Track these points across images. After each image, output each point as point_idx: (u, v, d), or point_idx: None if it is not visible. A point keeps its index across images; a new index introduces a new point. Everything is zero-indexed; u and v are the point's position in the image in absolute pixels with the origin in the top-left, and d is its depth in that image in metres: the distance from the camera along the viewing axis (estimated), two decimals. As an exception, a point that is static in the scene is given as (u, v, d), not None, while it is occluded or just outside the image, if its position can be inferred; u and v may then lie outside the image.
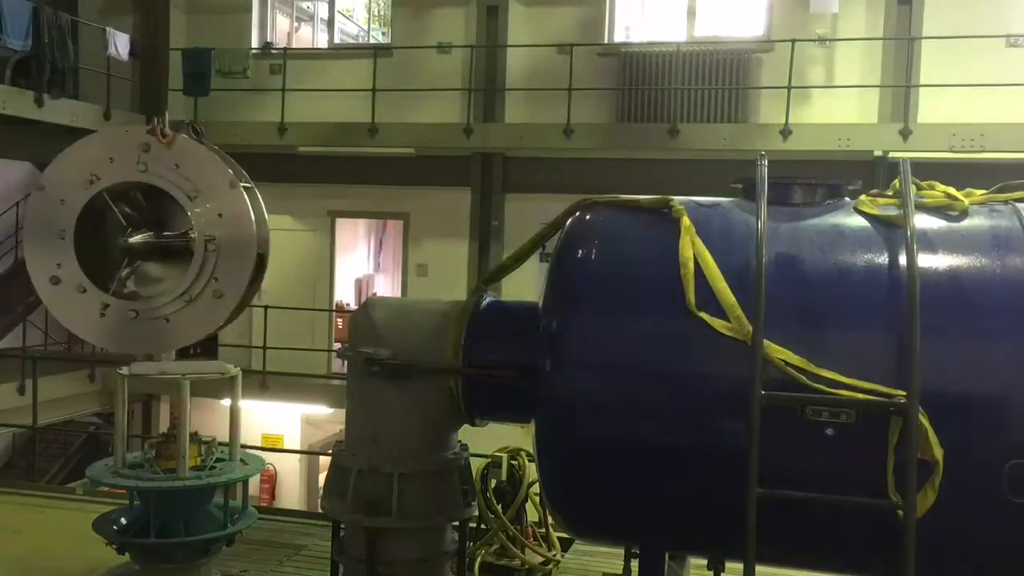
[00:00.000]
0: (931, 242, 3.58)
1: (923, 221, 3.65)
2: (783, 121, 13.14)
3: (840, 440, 3.40)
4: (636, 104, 14.38)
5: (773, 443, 3.41)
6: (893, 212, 3.70)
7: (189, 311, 3.87)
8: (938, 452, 3.28)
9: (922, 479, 3.30)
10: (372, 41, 19.44)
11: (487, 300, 4.46)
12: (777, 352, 3.45)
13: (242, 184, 4.57)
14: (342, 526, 4.63)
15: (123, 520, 5.28)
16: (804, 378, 3.41)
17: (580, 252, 3.91)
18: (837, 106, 13.65)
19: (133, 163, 3.96)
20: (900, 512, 3.29)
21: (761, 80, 14.02)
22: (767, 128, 13.33)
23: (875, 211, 3.75)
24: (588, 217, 4.06)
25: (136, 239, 4.28)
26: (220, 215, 3.89)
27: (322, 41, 17.28)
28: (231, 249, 4.02)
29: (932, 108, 13.20)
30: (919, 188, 3.88)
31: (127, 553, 5.22)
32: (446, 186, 15.38)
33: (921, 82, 13.24)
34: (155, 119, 4.27)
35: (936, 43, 13.04)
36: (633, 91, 14.32)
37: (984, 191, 3.91)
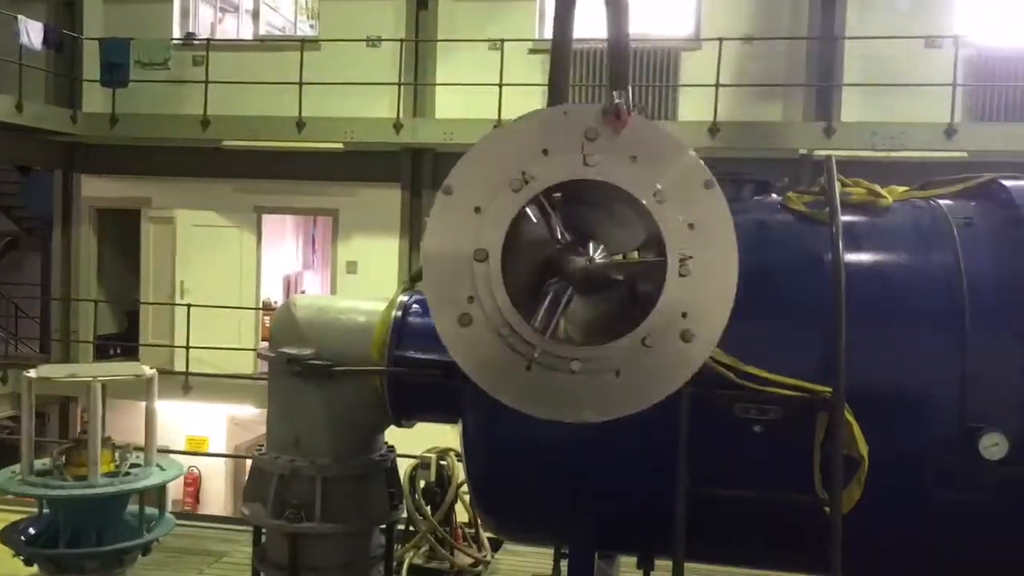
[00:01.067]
0: (856, 238, 3.60)
1: (848, 217, 3.67)
2: (711, 119, 13.27)
3: (768, 437, 3.40)
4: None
5: (702, 440, 3.39)
6: (820, 209, 3.71)
7: (647, 361, 2.65)
8: (863, 447, 3.29)
9: (848, 475, 3.30)
10: (299, 34, 19.07)
11: (415, 297, 4.36)
12: None
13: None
14: (264, 532, 4.49)
15: (31, 530, 5.04)
16: (733, 376, 3.39)
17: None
18: (763, 105, 13.85)
19: (576, 156, 2.64)
20: (826, 508, 3.29)
21: (689, 77, 14.15)
22: (694, 125, 13.45)
23: (802, 207, 3.76)
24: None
25: (598, 263, 2.70)
26: (691, 226, 2.60)
27: (247, 33, 16.89)
28: (708, 273, 2.70)
29: (855, 107, 13.49)
30: (844, 185, 3.89)
31: (35, 565, 4.99)
32: (376, 182, 15.18)
33: (844, 81, 13.51)
34: (614, 94, 2.82)
35: (859, 43, 13.33)
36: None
37: (906, 188, 3.95)
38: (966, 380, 3.30)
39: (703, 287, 2.61)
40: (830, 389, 3.29)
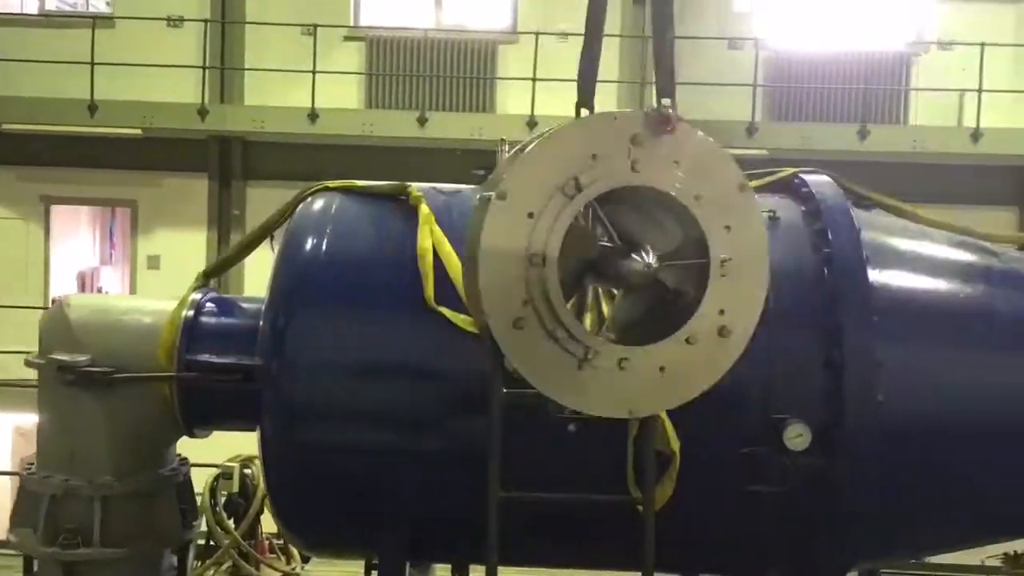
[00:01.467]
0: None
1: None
2: (529, 112, 13.35)
3: (582, 436, 3.31)
4: (385, 90, 14.10)
5: (516, 442, 3.27)
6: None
7: (690, 357, 2.76)
8: (675, 443, 3.27)
9: (661, 471, 3.27)
10: (91, 10, 17.70)
11: (209, 295, 4.00)
12: None
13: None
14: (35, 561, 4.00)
15: None
16: (546, 375, 3.28)
17: (308, 242, 3.59)
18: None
19: (624, 161, 2.68)
20: (639, 506, 3.24)
21: (507, 71, 14.18)
22: (514, 118, 13.50)
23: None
24: (318, 204, 3.74)
25: (654, 267, 2.72)
26: (728, 227, 2.72)
27: (31, 6, 15.48)
28: (742, 272, 2.81)
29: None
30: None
31: None
32: (180, 171, 14.34)
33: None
34: (660, 100, 2.84)
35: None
36: (380, 77, 14.02)
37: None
38: (771, 373, 3.33)
39: (739, 285, 2.73)
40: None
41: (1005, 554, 5.98)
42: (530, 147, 2.73)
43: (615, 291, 2.81)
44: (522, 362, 2.71)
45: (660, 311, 2.76)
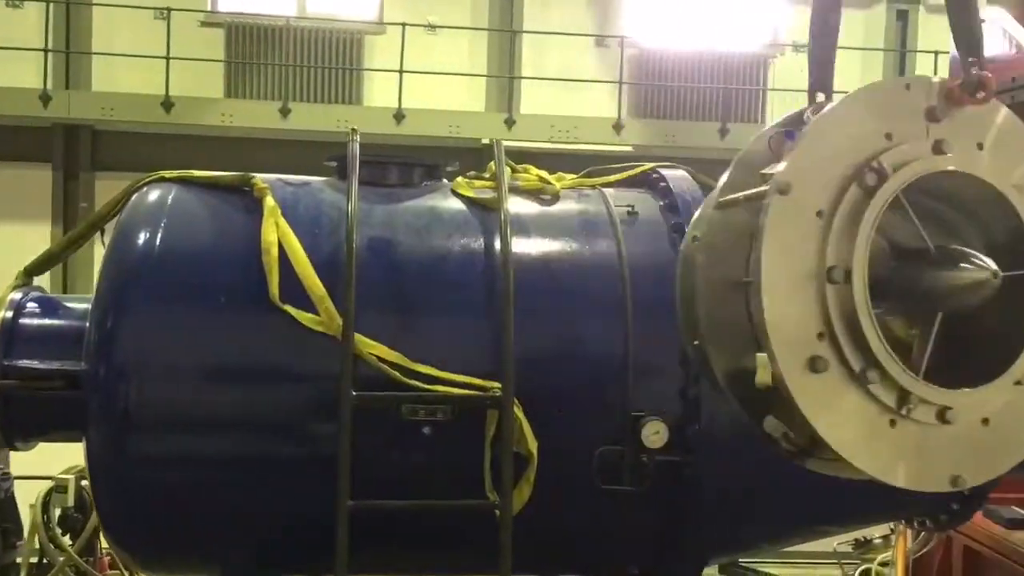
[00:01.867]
0: (525, 226, 3.50)
1: (517, 205, 3.57)
2: (396, 105, 13.12)
3: (438, 439, 3.19)
4: (246, 79, 13.57)
5: (368, 447, 3.14)
6: (490, 195, 3.56)
7: (1017, 402, 2.08)
8: (532, 444, 3.18)
9: (519, 473, 3.17)
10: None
11: (32, 295, 3.66)
12: (370, 347, 3.18)
13: None
14: None
15: None
16: (400, 375, 3.15)
17: (141, 235, 3.32)
18: (448, 93, 13.93)
19: (924, 142, 2.07)
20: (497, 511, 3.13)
21: (374, 62, 13.89)
22: (381, 111, 13.24)
23: (471, 193, 3.60)
24: (153, 195, 3.47)
25: (995, 273, 2.03)
26: None
27: None
28: None
29: (533, 100, 13.96)
30: (514, 171, 3.79)
31: None
32: (20, 161, 13.38)
33: (523, 74, 13.94)
34: (970, 62, 2.19)
35: (537, 39, 13.80)
36: (241, 65, 13.49)
37: (575, 175, 3.92)
38: (629, 369, 3.28)
39: None
40: (499, 385, 3.14)
41: (856, 540, 6.21)
42: (809, 126, 2.14)
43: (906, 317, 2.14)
44: (820, 418, 1.99)
45: (947, 341, 2.07)
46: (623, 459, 3.24)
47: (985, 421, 2.08)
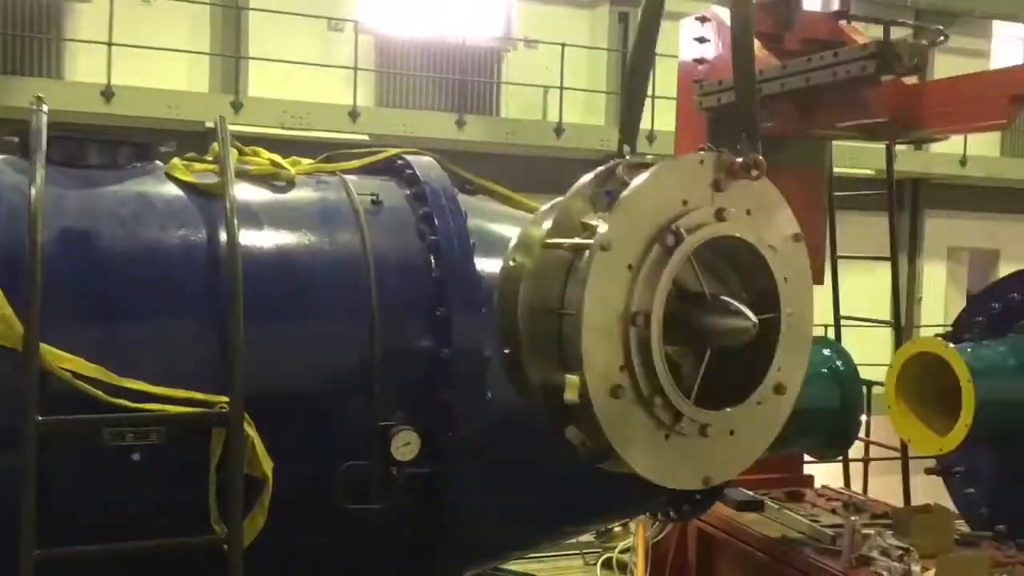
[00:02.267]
0: (255, 215, 3.10)
1: (246, 191, 3.18)
2: (105, 81, 11.85)
3: (151, 466, 2.73)
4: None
5: (62, 481, 2.66)
6: (213, 180, 3.10)
7: (755, 418, 2.57)
8: (267, 465, 2.81)
9: (251, 499, 2.77)
10: None
11: None
12: (63, 361, 2.68)
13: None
14: None
15: None
16: (102, 393, 2.67)
17: None
18: (166, 71, 12.80)
19: (709, 209, 2.47)
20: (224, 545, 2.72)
21: (78, 32, 12.50)
22: (86, 87, 11.89)
23: (190, 177, 3.13)
24: None
25: (755, 324, 2.44)
26: (786, 279, 2.58)
27: None
28: (797, 326, 2.66)
29: (263, 83, 13.18)
30: (241, 153, 3.36)
31: None
32: None
33: (251, 55, 13.12)
34: (746, 143, 2.59)
35: (265, 17, 13.03)
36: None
37: (312, 160, 3.55)
38: (375, 375, 2.97)
39: (792, 340, 2.60)
40: (227, 399, 2.72)
41: (596, 530, 6.32)
42: (628, 190, 2.46)
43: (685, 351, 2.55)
44: (615, 435, 2.41)
45: (716, 371, 2.53)
46: (370, 475, 2.93)
47: (732, 433, 2.56)
